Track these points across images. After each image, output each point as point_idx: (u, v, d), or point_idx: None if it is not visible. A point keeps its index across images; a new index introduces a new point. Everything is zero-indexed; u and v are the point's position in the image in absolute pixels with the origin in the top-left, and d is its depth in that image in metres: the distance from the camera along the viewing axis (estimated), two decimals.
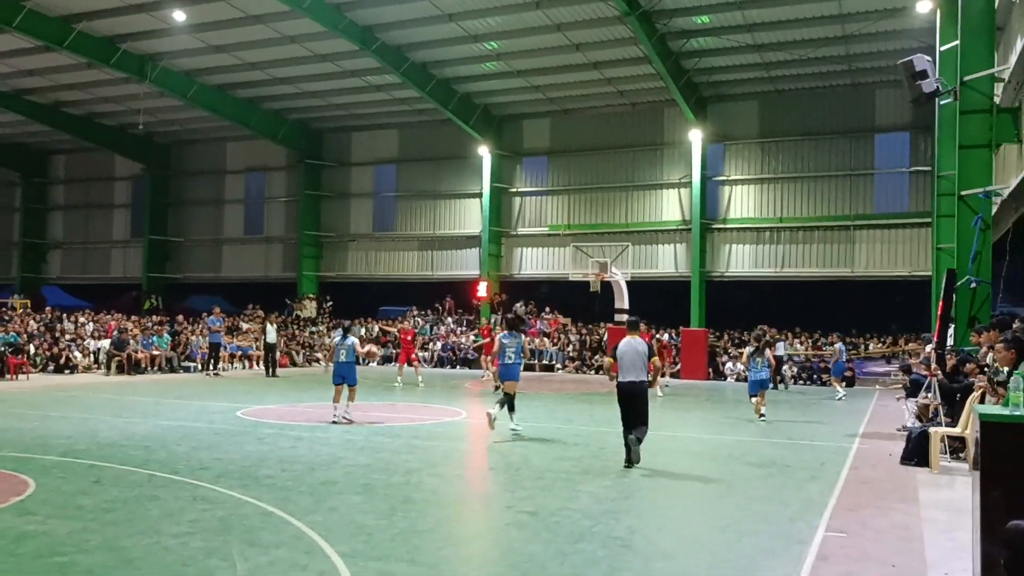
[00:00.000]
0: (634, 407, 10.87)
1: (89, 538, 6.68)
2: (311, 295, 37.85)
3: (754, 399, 16.18)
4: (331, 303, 38.12)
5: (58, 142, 41.53)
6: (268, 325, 26.19)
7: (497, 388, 17.18)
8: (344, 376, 14.60)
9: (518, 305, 35.27)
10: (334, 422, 14.16)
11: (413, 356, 23.39)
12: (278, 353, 26.80)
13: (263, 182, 40.11)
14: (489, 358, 19.66)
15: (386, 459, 10.63)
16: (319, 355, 32.50)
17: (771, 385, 18.24)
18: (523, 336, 14.85)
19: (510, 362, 13.72)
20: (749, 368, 16.52)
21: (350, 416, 14.51)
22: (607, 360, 12.03)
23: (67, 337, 27.40)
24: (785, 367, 28.47)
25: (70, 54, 28.98)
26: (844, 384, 23.67)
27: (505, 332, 14.09)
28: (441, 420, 15.26)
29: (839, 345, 22.77)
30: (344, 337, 14.86)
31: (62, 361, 25.34)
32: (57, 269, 44.14)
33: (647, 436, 10.94)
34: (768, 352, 16.62)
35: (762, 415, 15.99)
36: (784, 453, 12.05)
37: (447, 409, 17.09)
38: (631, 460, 10.59)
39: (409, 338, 23.93)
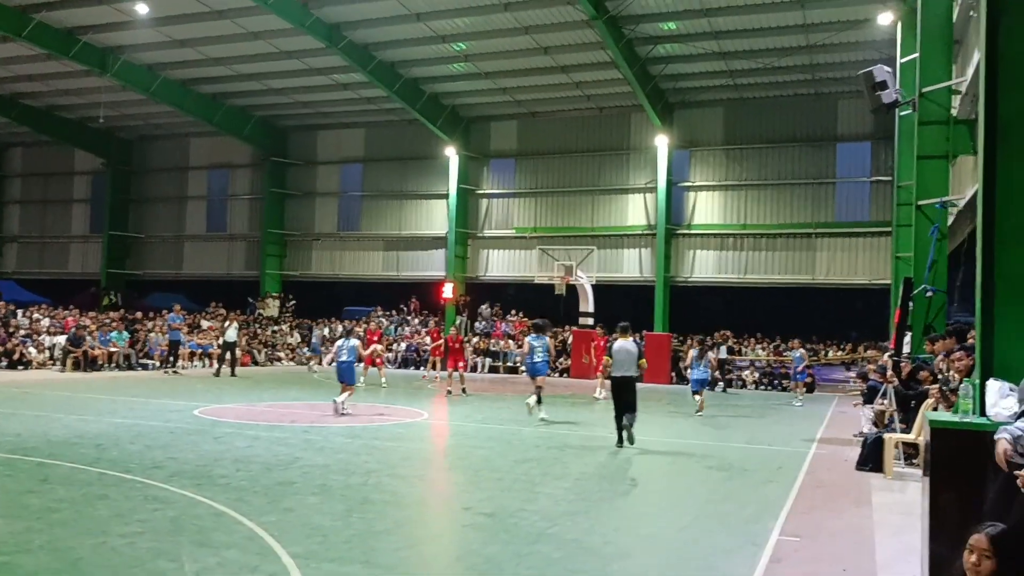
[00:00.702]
0: (626, 397, 12.73)
1: (33, 538, 6.51)
2: (274, 294, 37.47)
3: (696, 396, 18.19)
4: (294, 302, 37.77)
5: (15, 135, 40.66)
6: (228, 323, 25.72)
7: (449, 392, 19.06)
8: (344, 374, 15.87)
9: (483, 307, 35.25)
10: (343, 414, 15.25)
11: (378, 358, 23.26)
12: (238, 352, 26.43)
13: (227, 179, 39.62)
14: (438, 359, 20.40)
15: (345, 460, 10.53)
16: (280, 354, 32.19)
17: (708, 386, 19.86)
18: (547, 338, 16.74)
19: (538, 360, 15.94)
20: (692, 368, 18.44)
21: (347, 411, 15.52)
22: (605, 359, 13.71)
23: (21, 332, 26.81)
24: (747, 372, 28.80)
25: (28, 45, 28.38)
26: (803, 389, 23.91)
27: (533, 335, 16.51)
28: (403, 421, 15.17)
29: (796, 352, 22.86)
30: (347, 338, 16.34)
31: (16, 357, 24.79)
32: (13, 264, 43.19)
33: (628, 426, 12.61)
34: (710, 354, 18.63)
35: (699, 412, 17.81)
36: (743, 456, 12.14)
37: (409, 410, 16.99)
38: (622, 441, 12.46)
39: (375, 339, 23.78)
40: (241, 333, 29.15)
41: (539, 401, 15.67)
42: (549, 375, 17.94)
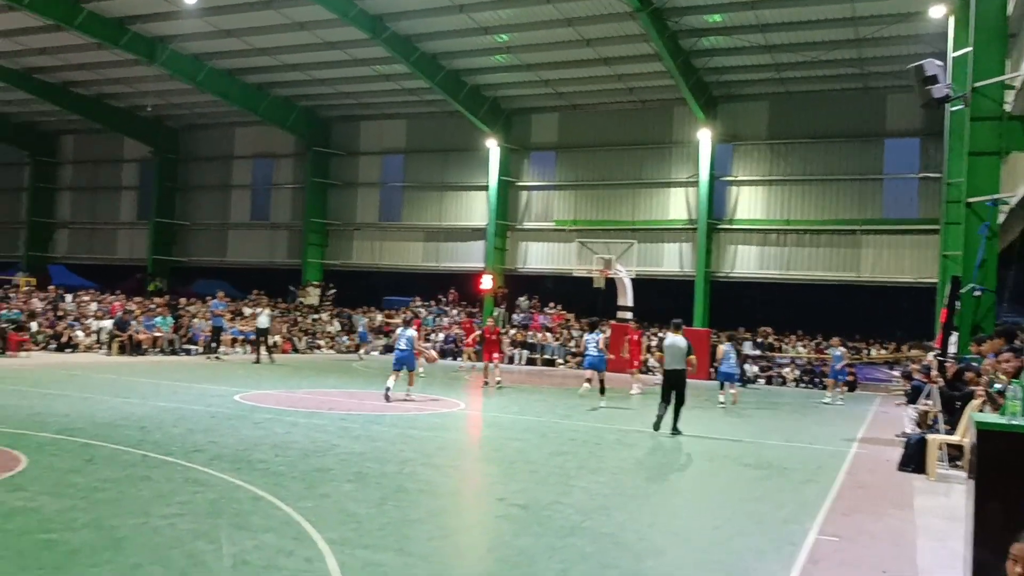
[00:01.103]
0: (676, 389, 13.73)
1: (78, 516, 6.66)
2: (315, 282, 37.87)
3: (727, 391, 19.28)
4: (334, 291, 38.12)
5: (67, 123, 41.56)
6: (259, 310, 25.97)
7: (486, 384, 19.69)
8: (402, 362, 16.45)
9: (521, 299, 35.25)
10: (387, 399, 15.87)
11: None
12: (274, 339, 26.75)
13: (271, 169, 40.10)
14: (471, 350, 20.63)
15: (381, 448, 10.60)
16: (320, 342, 32.52)
17: (738, 380, 20.65)
18: (601, 334, 17.92)
19: (594, 355, 17.31)
20: (723, 362, 19.51)
21: (411, 397, 16.35)
22: (657, 353, 14.98)
23: (70, 316, 27.44)
24: (787, 369, 28.44)
25: (80, 34, 28.97)
26: (844, 389, 23.49)
27: (588, 333, 18.27)
28: (439, 411, 15.23)
29: (836, 351, 22.32)
30: (404, 328, 17.14)
31: (64, 340, 25.38)
32: (64, 248, 44.23)
33: (676, 417, 13.69)
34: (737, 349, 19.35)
35: (726, 403, 18.72)
36: (781, 455, 11.99)
37: (446, 400, 17.06)
38: (659, 426, 13.54)
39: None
40: (275, 320, 29.51)
41: (601, 391, 17.24)
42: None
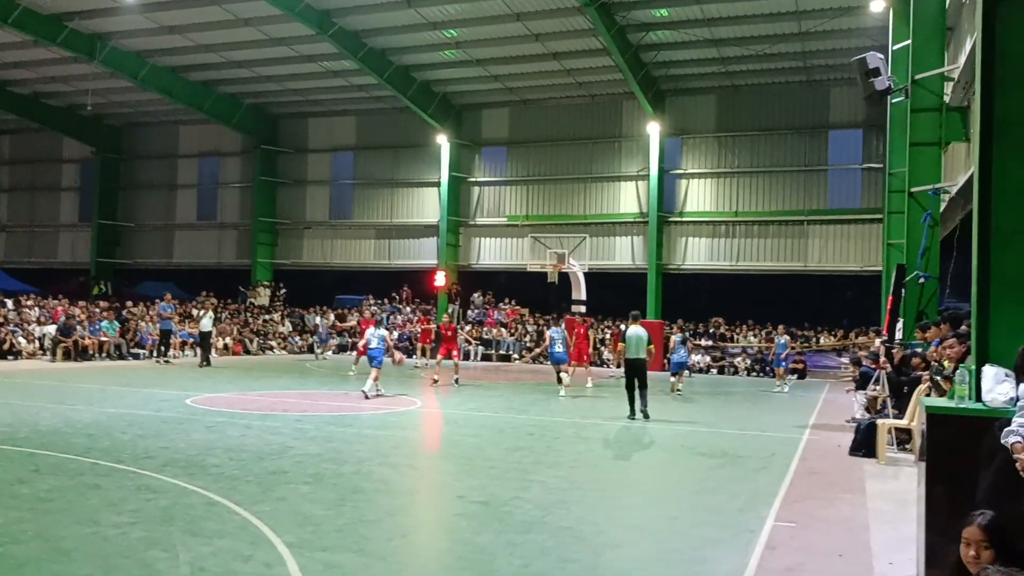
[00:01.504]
0: (638, 376, 14.69)
1: (25, 528, 6.46)
2: (265, 282, 37.36)
3: (673, 378, 20.27)
4: (285, 291, 37.66)
5: (3, 122, 40.30)
6: (202, 313, 24.97)
7: (435, 381, 19.94)
8: (375, 359, 17.12)
9: (475, 295, 35.20)
10: (366, 397, 16.42)
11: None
12: (224, 341, 26.26)
13: (217, 167, 39.41)
14: (427, 347, 20.76)
15: (337, 448, 10.49)
16: (272, 343, 32.09)
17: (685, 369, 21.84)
18: (563, 328, 20.27)
19: (559, 351, 19.19)
20: (674, 352, 20.63)
21: (382, 393, 16.95)
22: (620, 345, 15.58)
23: (11, 323, 26.63)
24: (738, 359, 28.87)
25: (15, 31, 28.07)
26: (789, 376, 23.88)
27: (554, 328, 20.20)
28: (395, 409, 15.14)
29: (780, 339, 22.72)
30: (376, 327, 18.21)
31: (5, 347, 24.63)
32: (1, 253, 42.92)
33: (643, 407, 14.69)
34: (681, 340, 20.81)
35: (679, 391, 19.87)
36: (735, 444, 12.16)
37: (401, 398, 16.95)
38: (634, 414, 14.53)
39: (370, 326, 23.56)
40: (224, 322, 28.98)
41: (559, 382, 19.01)
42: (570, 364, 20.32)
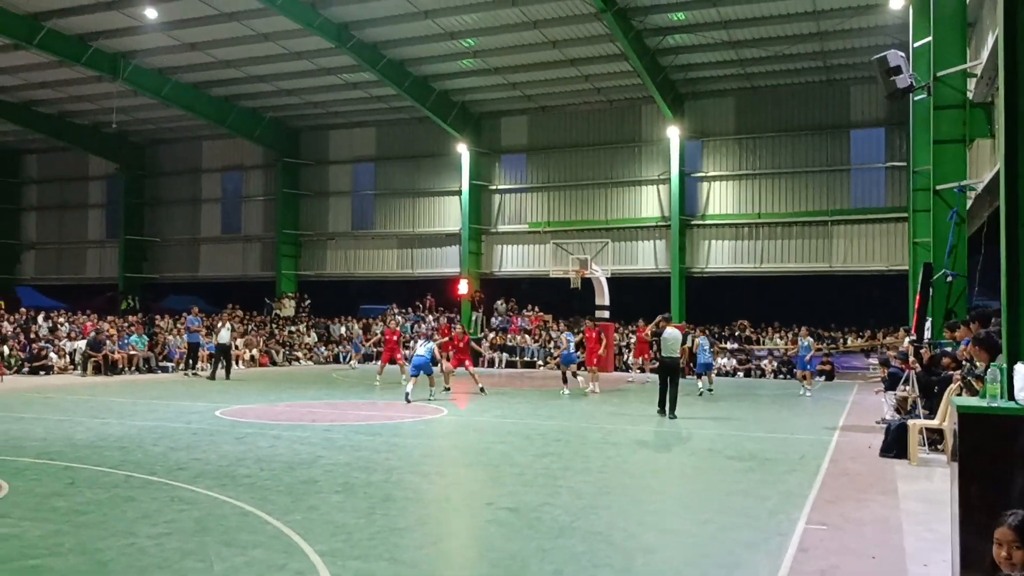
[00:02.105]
0: (671, 374, 15.55)
1: (63, 541, 6.57)
2: (290, 294, 37.66)
3: (700, 380, 21.30)
4: (309, 302, 37.93)
5: (30, 141, 41.00)
6: (221, 325, 24.66)
7: (447, 389, 19.96)
8: (420, 368, 18.09)
9: (499, 302, 35.27)
10: (408, 401, 17.35)
11: (397, 355, 23.03)
12: (251, 352, 26.46)
13: (240, 181, 39.84)
14: (447, 354, 20.79)
15: (366, 458, 10.55)
16: (298, 354, 32.33)
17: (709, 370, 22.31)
18: (578, 335, 21.54)
19: (571, 351, 20.68)
20: (699, 354, 21.54)
21: (436, 396, 18.30)
22: (651, 334, 16.54)
23: (43, 339, 27.04)
24: (765, 362, 28.69)
25: (40, 52, 28.57)
26: (813, 378, 23.59)
27: (567, 332, 21.76)
28: (422, 418, 15.20)
29: (804, 341, 22.29)
30: (426, 340, 19.36)
31: (37, 363, 25.00)
32: (31, 270, 43.59)
33: (671, 405, 15.51)
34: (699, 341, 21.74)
35: (710, 389, 21.00)
36: (764, 447, 12.10)
37: (428, 407, 17.02)
38: (664, 411, 15.42)
39: (395, 338, 23.69)
40: (250, 334, 29.16)
41: (564, 381, 20.41)
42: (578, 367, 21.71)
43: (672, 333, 15.85)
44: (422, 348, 18.58)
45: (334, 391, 20.90)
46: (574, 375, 21.13)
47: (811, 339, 22.45)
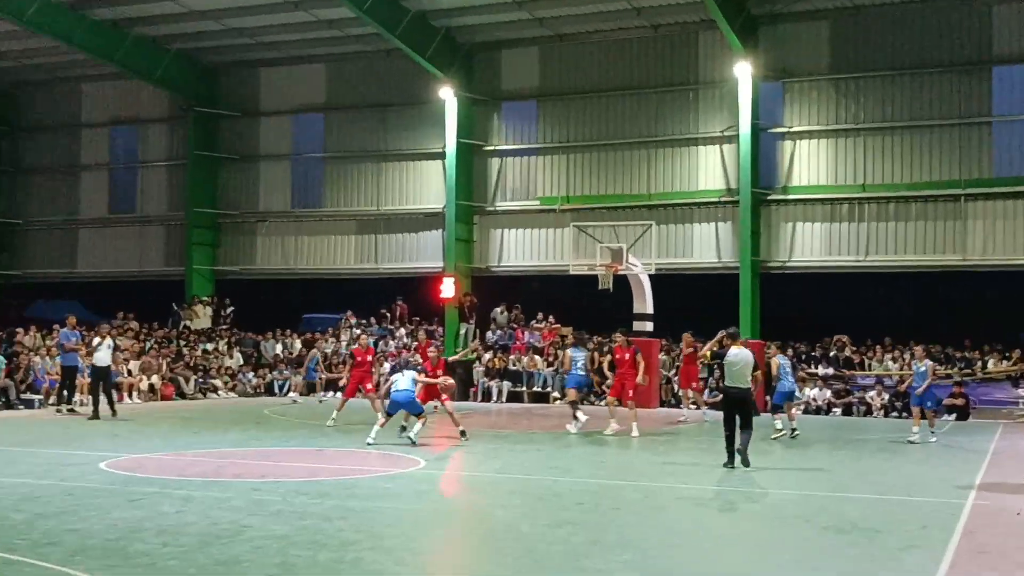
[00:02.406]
0: (740, 411, 15.69)
1: None
2: (205, 298, 37.65)
3: (777, 417, 20.93)
4: (232, 309, 37.92)
5: None
6: (97, 341, 24.35)
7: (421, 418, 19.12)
8: (400, 405, 18.44)
9: (498, 310, 35.26)
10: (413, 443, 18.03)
11: (367, 384, 22.86)
12: (120, 380, 26.33)
13: (135, 139, 39.87)
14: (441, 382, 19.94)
15: (311, 528, 10.56)
16: (216, 382, 32.33)
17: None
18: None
19: (580, 374, 21.51)
20: (779, 380, 21.44)
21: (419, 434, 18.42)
22: (709, 355, 17.27)
23: None
24: (872, 392, 28.64)
25: None
26: (937, 416, 23.44)
27: (573, 347, 22.50)
28: (389, 472, 15.20)
29: (920, 365, 21.80)
30: (403, 369, 19.53)
31: None
32: None
33: (743, 449, 15.54)
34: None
35: (795, 429, 20.92)
36: (869, 512, 12.09)
37: (398, 456, 17.02)
38: (733, 462, 15.60)
39: (369, 358, 23.64)
40: (124, 354, 28.98)
41: (575, 416, 21.09)
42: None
43: (740, 355, 15.94)
44: (404, 379, 18.43)
45: (267, 434, 20.87)
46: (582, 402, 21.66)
47: (929, 362, 21.92)
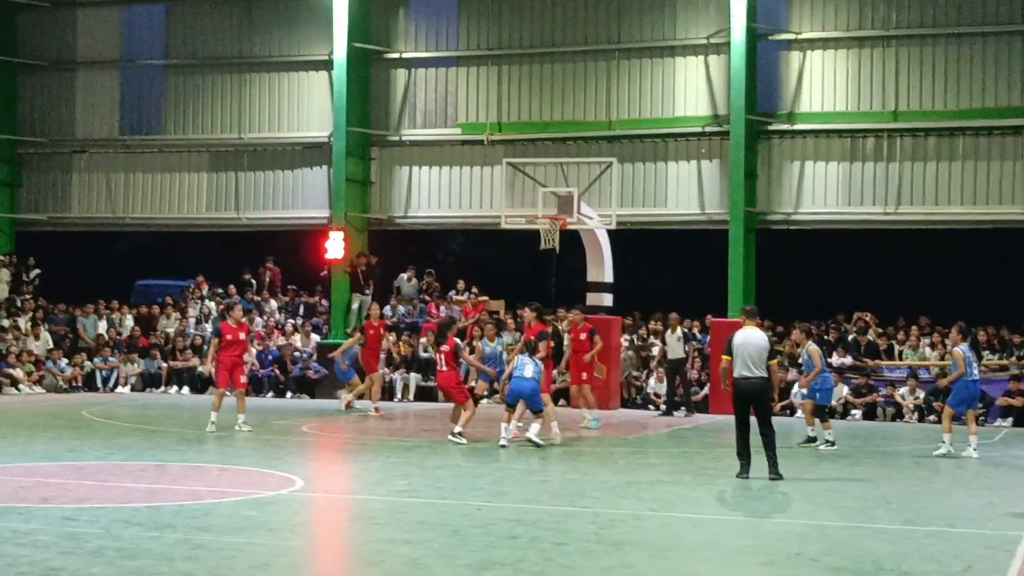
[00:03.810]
0: (757, 406, 16.84)
1: None
2: (1, 256, 37.16)
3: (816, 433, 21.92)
4: (38, 272, 37.45)
5: None
6: None
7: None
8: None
9: (404, 276, 35.17)
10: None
11: (240, 371, 23.28)
12: None
13: None
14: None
15: (145, 571, 10.49)
16: (16, 371, 31.92)
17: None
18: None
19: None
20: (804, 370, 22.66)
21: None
22: (724, 359, 17.20)
23: None
24: (904, 389, 29.00)
25: None
26: (1001, 422, 23.74)
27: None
28: (254, 494, 15.14)
29: (961, 348, 21.60)
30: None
31: None
32: None
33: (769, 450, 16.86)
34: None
35: (829, 441, 21.70)
36: (898, 548, 12.24)
37: (266, 474, 16.97)
38: (747, 471, 16.71)
39: (242, 336, 23.55)
40: None
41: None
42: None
43: (748, 338, 16.93)
44: (531, 366, 20.78)
45: (86, 444, 20.71)
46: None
47: (964, 349, 21.50)
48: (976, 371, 21.19)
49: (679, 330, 28.54)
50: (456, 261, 36.18)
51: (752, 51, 31.64)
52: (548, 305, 31.40)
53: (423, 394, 31.49)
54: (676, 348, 28.21)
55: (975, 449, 20.64)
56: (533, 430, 20.56)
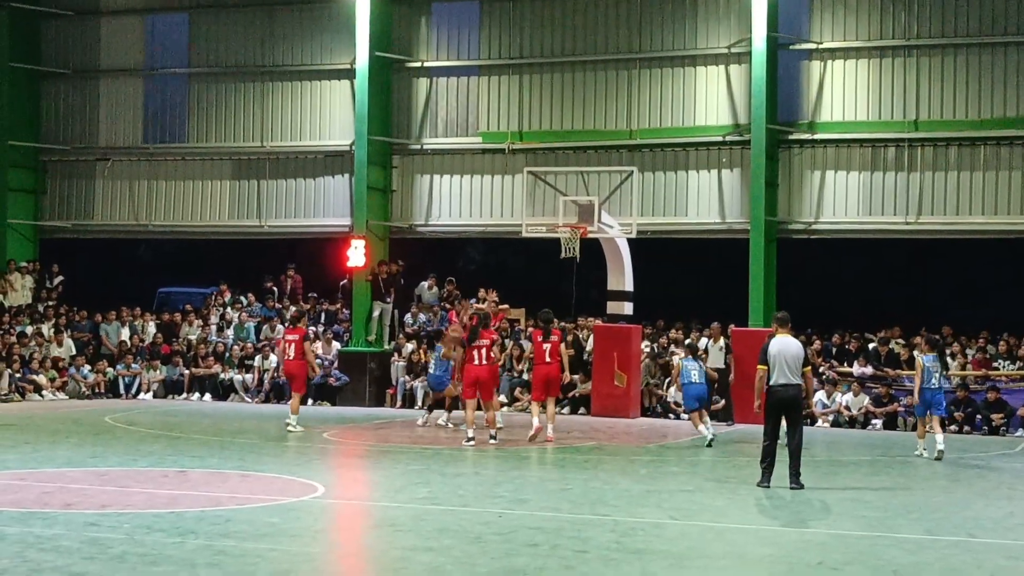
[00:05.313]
0: (789, 414, 17.10)
1: None
2: (24, 264, 37.26)
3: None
4: (61, 279, 37.55)
5: None
6: None
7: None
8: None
9: (425, 284, 35.18)
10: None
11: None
12: None
13: None
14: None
15: None
16: (40, 378, 31.99)
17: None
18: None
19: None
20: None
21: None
22: (760, 368, 17.21)
23: None
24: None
25: None
26: (1000, 431, 23.64)
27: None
28: (276, 500, 15.16)
29: (923, 358, 22.21)
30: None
31: None
32: None
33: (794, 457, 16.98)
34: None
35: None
36: (919, 558, 12.21)
37: (288, 480, 16.99)
38: (769, 480, 16.88)
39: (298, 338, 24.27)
40: None
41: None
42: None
43: (784, 346, 17.20)
44: (698, 371, 22.44)
45: (109, 450, 20.77)
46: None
47: (925, 359, 22.31)
48: (935, 380, 22.06)
49: (722, 340, 28.55)
50: (477, 269, 36.12)
51: (773, 61, 31.60)
52: (568, 313, 31.47)
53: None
54: (717, 358, 28.16)
55: (925, 449, 21.80)
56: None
